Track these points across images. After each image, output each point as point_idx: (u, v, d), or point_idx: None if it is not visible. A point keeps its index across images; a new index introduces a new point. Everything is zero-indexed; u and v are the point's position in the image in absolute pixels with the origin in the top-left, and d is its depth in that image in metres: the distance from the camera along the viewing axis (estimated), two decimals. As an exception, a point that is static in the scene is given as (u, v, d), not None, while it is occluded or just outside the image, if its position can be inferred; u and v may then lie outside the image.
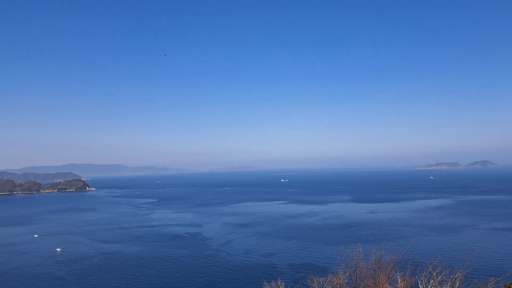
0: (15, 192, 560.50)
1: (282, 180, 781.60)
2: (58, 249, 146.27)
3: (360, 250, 34.81)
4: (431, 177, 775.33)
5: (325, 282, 35.08)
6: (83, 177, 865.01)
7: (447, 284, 30.54)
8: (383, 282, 31.02)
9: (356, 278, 32.31)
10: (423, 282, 31.79)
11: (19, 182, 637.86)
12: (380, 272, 31.71)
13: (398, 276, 32.77)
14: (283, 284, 41.15)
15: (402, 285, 32.26)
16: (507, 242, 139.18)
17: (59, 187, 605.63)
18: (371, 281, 31.46)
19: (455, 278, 30.32)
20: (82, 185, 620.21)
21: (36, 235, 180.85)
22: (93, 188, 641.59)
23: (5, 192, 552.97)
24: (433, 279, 31.16)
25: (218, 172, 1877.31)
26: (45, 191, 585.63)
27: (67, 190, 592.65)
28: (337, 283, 33.59)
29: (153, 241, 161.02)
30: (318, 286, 35.39)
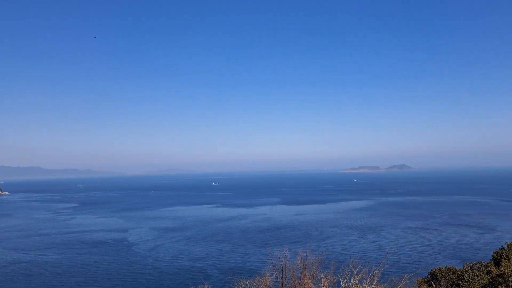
0: None
1: (213, 184, 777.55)
2: None
3: (287, 252, 35.27)
4: (355, 180, 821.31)
5: (252, 284, 34.99)
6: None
7: (366, 281, 31.98)
8: (308, 282, 31.62)
9: (282, 279, 32.62)
10: (345, 280, 32.95)
11: None
12: (305, 272, 32.31)
13: (322, 276, 33.63)
14: (210, 288, 40.40)
15: (326, 284, 33.18)
16: (420, 240, 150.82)
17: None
18: (296, 281, 31.93)
19: (374, 275, 31.88)
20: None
21: None
22: (6, 192, 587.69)
23: None
24: (354, 277, 32.47)
25: (146, 176, 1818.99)
26: None
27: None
28: (263, 285, 33.64)
29: (74, 248, 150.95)
30: (245, 288, 35.17)
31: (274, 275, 33.72)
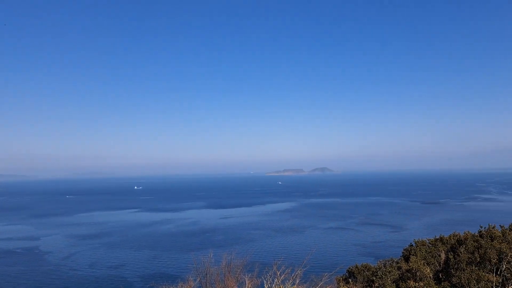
0: None
1: (135, 188, 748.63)
2: None
3: (211, 256, 34.72)
4: (280, 182, 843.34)
5: (175, 290, 33.96)
6: None
7: (289, 281, 32.56)
8: (232, 285, 31.37)
9: (206, 284, 32.03)
10: (268, 282, 33.22)
11: None
12: (230, 276, 32.04)
13: (246, 278, 33.59)
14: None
15: (250, 286, 33.20)
16: (339, 239, 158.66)
17: None
18: (220, 285, 31.53)
19: (296, 276, 32.57)
20: None
21: None
22: None
23: None
24: (277, 278, 32.86)
25: (62, 179, 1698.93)
26: None
27: None
28: (187, 290, 32.79)
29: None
30: (167, 295, 34.00)
31: (198, 280, 33.03)
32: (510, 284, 25.97)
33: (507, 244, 27.10)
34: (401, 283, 28.82)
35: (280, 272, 33.24)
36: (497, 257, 26.33)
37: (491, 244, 27.33)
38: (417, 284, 26.83)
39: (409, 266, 30.00)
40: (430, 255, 33.36)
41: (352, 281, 36.06)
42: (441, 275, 30.15)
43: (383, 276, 30.77)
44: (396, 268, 33.90)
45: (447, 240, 35.82)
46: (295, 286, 32.04)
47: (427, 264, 31.43)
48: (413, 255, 34.16)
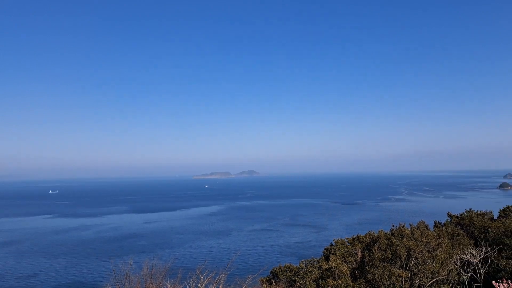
0: None
1: (50, 192, 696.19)
2: None
3: (132, 262, 33.07)
4: (206, 186, 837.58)
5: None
6: None
7: (212, 285, 32.08)
8: (153, 292, 30.15)
9: (125, 292, 30.40)
10: (191, 287, 32.47)
11: None
12: (151, 282, 30.73)
13: (168, 284, 32.50)
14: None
15: (172, 292, 32.18)
16: (264, 241, 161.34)
17: None
18: (141, 292, 30.14)
19: (220, 279, 32.17)
20: None
21: None
22: None
23: None
24: (201, 283, 32.21)
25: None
26: None
27: None
28: (103, 300, 30.90)
29: None
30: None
31: (117, 287, 31.23)
32: (417, 278, 28.04)
33: (415, 241, 29.24)
34: (321, 281, 29.77)
35: (204, 277, 32.63)
36: (406, 254, 28.29)
37: (401, 242, 29.31)
38: (335, 282, 27.88)
39: (328, 265, 31.11)
40: (348, 254, 34.96)
41: (275, 282, 36.58)
42: (357, 272, 31.72)
43: (305, 276, 31.59)
44: (317, 267, 35.02)
45: (363, 239, 37.82)
46: (218, 290, 31.72)
47: (345, 262, 32.88)
48: (333, 254, 35.54)
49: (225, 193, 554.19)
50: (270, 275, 41.68)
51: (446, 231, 35.31)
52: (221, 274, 32.68)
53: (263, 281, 38.14)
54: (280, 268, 39.63)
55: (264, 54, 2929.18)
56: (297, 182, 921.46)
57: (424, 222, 40.82)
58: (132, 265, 32.37)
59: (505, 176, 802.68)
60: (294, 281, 33.08)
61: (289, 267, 38.38)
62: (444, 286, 27.89)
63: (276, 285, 35.68)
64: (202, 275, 33.17)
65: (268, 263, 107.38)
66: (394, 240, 30.57)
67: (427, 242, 29.42)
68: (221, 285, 32.44)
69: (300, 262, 41.59)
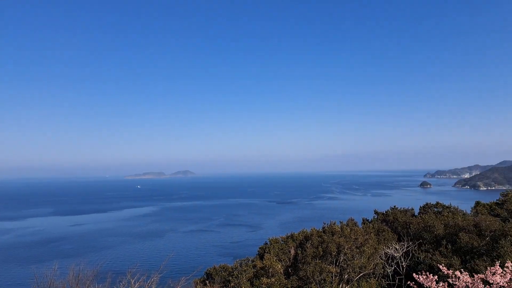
0: None
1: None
2: None
3: (56, 267, 30.86)
4: (139, 186, 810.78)
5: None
6: None
7: (144, 289, 30.95)
8: (80, 298, 28.38)
9: (47, 300, 28.29)
10: (121, 291, 31.08)
11: None
12: (78, 288, 28.95)
13: (96, 290, 30.83)
14: None
15: (100, 298, 30.56)
16: (199, 242, 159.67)
17: None
18: (66, 299, 28.23)
19: (152, 282, 31.12)
20: None
21: None
22: None
23: None
24: (131, 286, 30.96)
25: None
26: None
27: None
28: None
29: None
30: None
31: (39, 295, 28.95)
32: (346, 273, 29.20)
33: (345, 238, 30.46)
34: (255, 280, 29.92)
35: (135, 280, 31.34)
36: (337, 250, 29.36)
37: (332, 239, 30.37)
38: (269, 280, 28.16)
39: (263, 264, 31.38)
40: (282, 252, 35.55)
41: (209, 282, 36.18)
42: (290, 270, 32.34)
43: (239, 275, 31.57)
44: (251, 266, 35.18)
45: (297, 237, 38.71)
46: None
47: (279, 260, 33.38)
48: (267, 252, 35.93)
49: (159, 193, 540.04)
50: (205, 275, 41.19)
51: (373, 228, 37.25)
52: (153, 277, 31.59)
53: (197, 282, 37.57)
54: (214, 268, 39.31)
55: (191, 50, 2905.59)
56: (233, 182, 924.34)
57: (353, 219, 42.73)
58: (56, 270, 30.15)
59: (425, 175, 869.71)
60: (229, 281, 32.95)
61: (223, 267, 38.19)
62: (370, 279, 29.32)
63: (210, 285, 35.31)
64: (133, 278, 31.82)
65: (203, 264, 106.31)
66: (326, 237, 31.60)
67: (356, 239, 30.78)
68: (153, 287, 31.44)
69: (235, 262, 41.58)
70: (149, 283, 31.31)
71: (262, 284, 28.19)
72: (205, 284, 36.27)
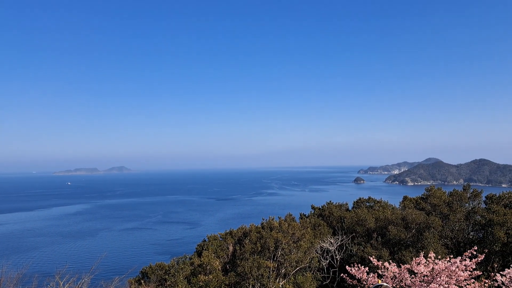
0: None
1: None
2: None
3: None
4: (69, 183, 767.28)
5: None
6: None
7: (74, 291, 29.30)
8: (1, 304, 26.22)
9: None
10: (49, 294, 29.18)
11: None
12: (-2, 293, 26.72)
13: (20, 294, 28.65)
14: None
15: (25, 302, 28.46)
16: (135, 240, 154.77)
17: None
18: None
19: (83, 283, 29.55)
20: None
21: None
22: None
23: None
24: (60, 288, 29.21)
25: None
26: None
27: None
28: None
29: None
30: None
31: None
32: (283, 268, 29.75)
33: (282, 233, 31.01)
34: (192, 278, 29.50)
35: (64, 282, 29.58)
36: (274, 245, 29.81)
37: (270, 234, 30.78)
38: (206, 277, 27.90)
39: (200, 261, 31.01)
40: (220, 249, 35.40)
41: (144, 282, 35.11)
42: (229, 266, 32.32)
43: (176, 274, 30.95)
44: (188, 264, 34.65)
45: (236, 233, 38.77)
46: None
47: (217, 257, 33.21)
48: (205, 249, 35.60)
49: (92, 191, 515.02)
50: (140, 275, 39.89)
51: (310, 222, 38.33)
52: (84, 278, 29.96)
53: (132, 282, 36.30)
54: (150, 267, 38.19)
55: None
56: (171, 179, 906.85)
57: (291, 215, 43.65)
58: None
59: (359, 171, 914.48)
60: (165, 279, 32.19)
61: (160, 266, 37.22)
62: (306, 273, 30.14)
63: (145, 285, 34.27)
64: (62, 280, 30.01)
65: (139, 263, 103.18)
66: (264, 233, 31.95)
67: (293, 233, 31.45)
68: (84, 289, 29.85)
69: (172, 260, 40.69)
70: (79, 284, 29.67)
71: (200, 282, 27.87)
72: (140, 284, 35.15)
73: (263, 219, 40.25)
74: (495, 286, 17.18)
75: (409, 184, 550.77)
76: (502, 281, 16.89)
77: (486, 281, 16.58)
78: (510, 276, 16.80)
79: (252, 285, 28.04)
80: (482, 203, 35.48)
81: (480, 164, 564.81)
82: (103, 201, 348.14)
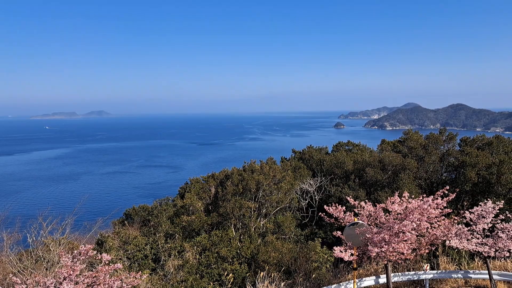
0: None
1: None
2: None
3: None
4: (47, 127, 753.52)
5: None
6: None
7: (58, 231, 29.73)
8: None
9: None
10: (33, 235, 29.57)
11: None
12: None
13: (4, 234, 28.96)
14: None
15: (9, 242, 28.85)
16: (118, 183, 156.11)
17: None
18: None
19: (65, 224, 29.92)
20: None
21: None
22: None
23: None
24: (43, 229, 29.54)
25: None
26: None
27: None
28: None
29: None
30: None
31: None
32: (264, 208, 30.68)
33: (264, 175, 31.60)
34: (175, 218, 30.21)
35: (47, 223, 29.94)
36: (256, 187, 30.47)
37: (252, 177, 31.33)
38: (189, 218, 28.60)
39: (183, 203, 31.62)
40: (202, 191, 36.01)
41: (128, 223, 35.83)
42: (211, 207, 33.11)
43: (159, 214, 31.60)
44: (171, 205, 35.34)
45: (218, 176, 39.30)
46: (65, 235, 29.58)
47: (200, 199, 33.87)
48: (188, 192, 36.16)
49: (72, 135, 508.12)
50: (123, 216, 40.60)
51: (290, 165, 39.06)
52: (67, 219, 30.31)
53: (115, 223, 37.00)
54: (134, 209, 38.80)
55: None
56: (152, 123, 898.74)
57: (273, 158, 44.24)
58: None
59: (339, 117, 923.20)
60: (148, 220, 32.89)
61: (143, 207, 37.84)
62: (286, 212, 31.21)
63: (129, 225, 35.00)
64: (44, 222, 30.31)
65: (122, 205, 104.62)
66: (246, 175, 32.49)
67: (274, 176, 32.10)
68: (67, 230, 30.26)
69: (155, 202, 41.37)
70: (63, 225, 30.06)
71: (183, 222, 28.58)
72: (124, 225, 35.86)
73: (245, 162, 40.74)
74: (464, 223, 18.16)
75: (387, 128, 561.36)
76: (470, 218, 17.83)
77: (456, 218, 17.47)
78: (477, 213, 17.74)
79: (234, 225, 28.96)
80: (457, 145, 36.54)
81: (456, 108, 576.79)
82: (83, 145, 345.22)
